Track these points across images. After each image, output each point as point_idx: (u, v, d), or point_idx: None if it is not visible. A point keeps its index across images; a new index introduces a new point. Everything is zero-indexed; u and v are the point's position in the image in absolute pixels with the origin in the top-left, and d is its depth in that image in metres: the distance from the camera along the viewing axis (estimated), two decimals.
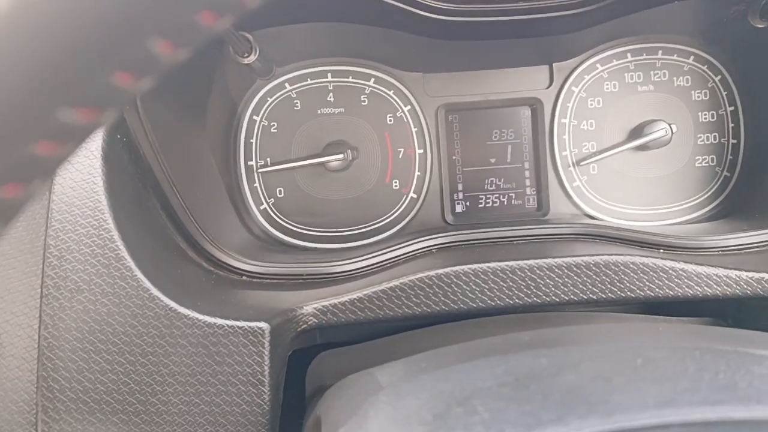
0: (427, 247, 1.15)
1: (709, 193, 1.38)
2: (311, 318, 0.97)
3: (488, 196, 1.39)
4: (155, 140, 0.99)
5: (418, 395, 0.53)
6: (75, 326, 0.87)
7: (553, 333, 0.66)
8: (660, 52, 1.37)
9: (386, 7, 1.10)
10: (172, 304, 0.89)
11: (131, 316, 0.89)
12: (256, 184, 1.35)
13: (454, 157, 1.38)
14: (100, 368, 0.87)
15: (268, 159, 1.35)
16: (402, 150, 1.37)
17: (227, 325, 0.90)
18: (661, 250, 1.09)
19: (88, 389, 0.87)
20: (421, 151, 1.37)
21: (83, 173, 0.92)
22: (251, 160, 1.35)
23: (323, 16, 1.21)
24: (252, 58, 1.19)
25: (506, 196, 1.39)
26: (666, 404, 0.43)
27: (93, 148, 0.93)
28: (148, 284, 0.90)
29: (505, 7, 1.13)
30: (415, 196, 1.37)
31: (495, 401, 0.47)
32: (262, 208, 1.36)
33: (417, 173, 1.37)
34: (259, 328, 0.90)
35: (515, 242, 1.16)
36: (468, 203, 1.39)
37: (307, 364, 1.08)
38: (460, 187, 1.38)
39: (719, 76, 1.37)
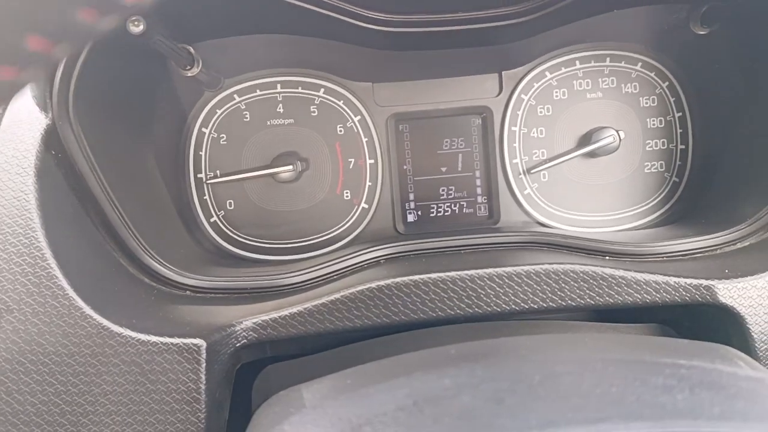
0: (375, 257, 1.14)
1: (659, 198, 1.39)
2: (251, 333, 0.96)
3: (440, 205, 1.39)
4: (91, 155, 0.98)
5: (318, 423, 0.53)
6: (4, 346, 0.86)
7: (473, 347, 0.66)
8: (608, 59, 1.38)
9: (329, 21, 1.10)
10: (105, 323, 0.88)
11: (63, 335, 0.87)
12: (206, 197, 1.34)
13: (405, 167, 1.38)
14: (29, 389, 0.86)
15: (218, 171, 1.34)
16: (353, 160, 1.36)
17: (161, 343, 0.89)
18: (607, 257, 1.09)
19: (17, 411, 0.85)
20: (372, 161, 1.36)
21: (15, 190, 0.91)
22: (201, 172, 1.34)
23: (267, 29, 1.20)
24: (195, 70, 1.18)
25: (458, 205, 1.39)
26: (546, 425, 0.43)
27: (25, 164, 0.92)
28: (80, 302, 0.88)
29: (450, 17, 1.14)
30: (366, 206, 1.37)
31: (386, 428, 0.47)
32: (212, 221, 1.35)
33: (368, 183, 1.37)
34: (195, 345, 0.89)
35: (463, 251, 1.16)
36: (420, 212, 1.39)
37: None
38: (411, 196, 1.38)
39: (667, 83, 1.38)
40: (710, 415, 0.46)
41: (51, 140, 0.95)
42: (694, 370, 0.56)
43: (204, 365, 0.89)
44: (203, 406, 0.89)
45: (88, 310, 0.88)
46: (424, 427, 0.46)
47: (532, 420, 0.44)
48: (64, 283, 0.88)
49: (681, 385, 0.51)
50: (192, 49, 1.17)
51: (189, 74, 1.19)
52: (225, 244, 1.35)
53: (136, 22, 0.95)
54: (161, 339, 0.89)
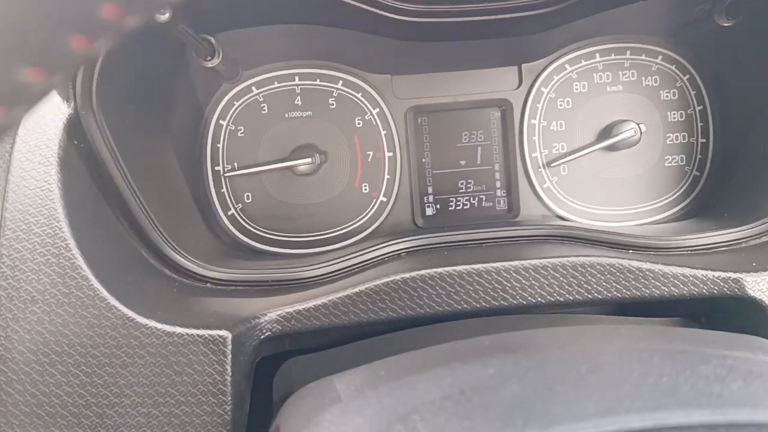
0: (395, 251, 1.13)
1: (679, 192, 1.38)
2: (275, 325, 0.95)
3: (458, 198, 1.38)
4: (114, 146, 0.97)
5: (363, 412, 0.52)
6: (29, 338, 0.85)
7: (509, 338, 0.65)
8: (628, 52, 1.37)
9: (348, 9, 1.09)
10: (130, 314, 0.87)
11: (87, 326, 0.87)
12: (224, 190, 1.33)
13: (423, 160, 1.37)
14: (54, 380, 0.85)
15: (236, 164, 1.33)
16: (371, 153, 1.35)
17: (187, 334, 0.88)
18: (630, 251, 1.08)
19: (42, 402, 0.85)
20: (391, 154, 1.35)
21: (38, 180, 0.90)
22: (218, 165, 1.33)
23: (286, 18, 1.19)
24: (215, 61, 1.17)
25: (477, 199, 1.38)
26: (605, 413, 0.42)
27: (49, 155, 0.91)
28: (105, 293, 0.87)
29: (469, 7, 1.12)
30: (384, 199, 1.36)
31: (436, 416, 0.46)
32: (229, 213, 1.34)
33: (387, 176, 1.36)
34: (221, 337, 0.88)
35: (484, 245, 1.15)
36: (438, 206, 1.38)
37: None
38: (430, 190, 1.37)
39: (687, 76, 1.37)
40: None
41: (74, 130, 0.94)
42: (740, 360, 0.55)
43: (230, 357, 0.88)
44: (229, 398, 0.88)
45: (113, 301, 0.87)
46: (475, 416, 0.45)
47: (589, 408, 0.43)
48: (88, 273, 0.88)
49: (732, 374, 0.50)
50: (213, 40, 1.16)
51: (209, 65, 1.18)
52: (243, 237, 1.34)
53: (162, 10, 0.94)
54: (186, 330, 0.88)
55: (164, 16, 0.94)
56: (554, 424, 0.42)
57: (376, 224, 1.36)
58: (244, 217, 1.34)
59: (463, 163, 1.38)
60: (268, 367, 1.06)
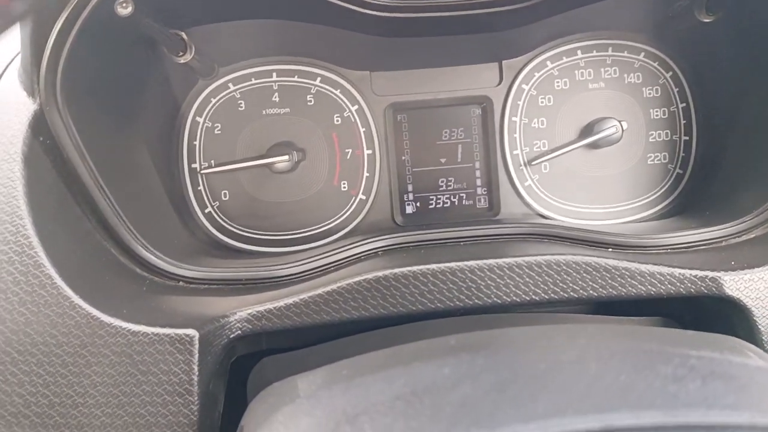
0: (372, 249, 1.12)
1: (662, 190, 1.37)
2: (245, 324, 0.94)
3: (439, 196, 1.37)
4: (81, 142, 0.95)
5: (313, 413, 0.51)
6: None
7: (474, 337, 0.63)
8: (610, 48, 1.36)
9: (322, 5, 1.07)
10: (95, 312, 0.86)
11: (51, 325, 0.85)
12: (201, 187, 1.32)
13: (403, 158, 1.35)
14: (17, 380, 0.84)
15: (213, 161, 1.32)
16: (350, 151, 1.34)
17: (153, 333, 0.87)
18: (610, 249, 1.07)
19: (4, 402, 0.83)
20: (370, 151, 1.34)
21: (1, 177, 0.88)
22: (195, 162, 1.32)
23: (259, 14, 1.17)
24: (188, 56, 1.15)
25: (457, 197, 1.37)
26: (552, 414, 0.41)
27: (12, 151, 0.90)
28: (68, 291, 0.86)
29: (445, 3, 1.11)
30: (364, 197, 1.34)
31: (384, 417, 0.45)
32: (206, 211, 1.32)
33: (366, 174, 1.34)
34: (187, 336, 0.87)
35: (462, 243, 1.13)
36: (418, 204, 1.36)
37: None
38: (410, 187, 1.36)
39: (670, 73, 1.36)
40: (724, 404, 0.44)
41: (39, 126, 0.92)
42: (704, 360, 0.54)
43: (197, 356, 0.87)
44: (196, 398, 0.87)
45: (77, 300, 0.86)
46: (423, 417, 0.44)
47: (537, 409, 0.42)
48: (52, 271, 0.86)
49: (692, 374, 0.49)
50: (184, 35, 1.14)
51: (181, 61, 1.16)
52: (220, 235, 1.32)
53: (123, 4, 0.93)
54: (152, 329, 0.87)
55: (126, 10, 0.92)
56: (499, 426, 0.41)
57: (355, 222, 1.34)
58: (222, 215, 1.33)
59: (443, 160, 1.36)
60: (246, 365, 1.05)
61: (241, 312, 0.93)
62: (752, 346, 0.72)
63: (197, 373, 0.87)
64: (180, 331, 0.87)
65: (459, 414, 0.43)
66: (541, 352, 0.54)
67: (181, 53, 1.14)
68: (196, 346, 0.87)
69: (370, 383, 0.53)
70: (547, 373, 0.48)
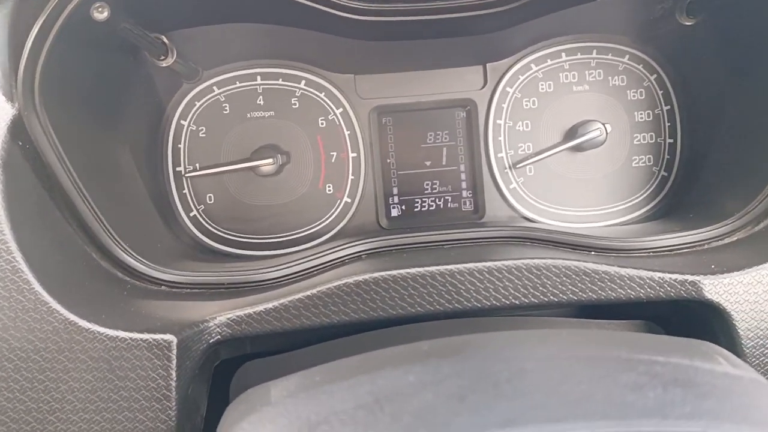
0: (356, 252, 1.12)
1: (647, 193, 1.37)
2: (225, 329, 0.94)
3: (424, 199, 1.37)
4: (60, 146, 0.95)
5: (277, 421, 0.51)
6: None
7: (444, 343, 0.63)
8: (594, 51, 1.36)
9: (302, 8, 1.07)
10: (72, 317, 0.86)
11: (28, 330, 0.85)
12: (185, 191, 1.32)
13: (388, 161, 1.35)
14: None
15: (197, 164, 1.32)
16: (335, 154, 1.34)
17: (130, 338, 0.86)
18: (592, 252, 1.07)
19: None
20: (355, 154, 1.34)
21: None
22: (179, 165, 1.32)
23: (241, 18, 1.17)
24: (170, 60, 1.15)
25: (442, 200, 1.37)
26: (506, 423, 0.41)
27: None
28: (46, 296, 0.86)
29: (427, 6, 1.11)
30: (349, 200, 1.34)
31: (344, 426, 0.45)
32: (191, 215, 1.32)
33: (351, 177, 1.34)
34: (165, 341, 0.87)
35: (446, 246, 1.13)
36: (404, 207, 1.36)
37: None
38: (395, 190, 1.36)
39: (655, 75, 1.36)
40: (680, 414, 0.44)
41: (17, 131, 0.92)
42: (669, 366, 0.54)
43: (174, 362, 0.87)
44: (174, 404, 0.86)
45: (54, 305, 0.86)
46: (381, 426, 0.44)
47: (492, 418, 0.42)
48: (29, 276, 0.86)
49: (653, 382, 0.49)
50: (165, 39, 1.14)
51: (163, 64, 1.16)
52: (205, 238, 1.32)
53: (99, 9, 0.92)
54: (130, 334, 0.86)
55: (102, 15, 0.92)
56: None
57: (341, 225, 1.34)
58: (207, 219, 1.33)
59: (428, 163, 1.36)
60: (230, 370, 1.05)
61: (221, 316, 0.93)
62: (725, 352, 0.71)
63: (175, 379, 0.87)
64: (158, 336, 0.87)
65: (416, 422, 0.43)
66: (507, 358, 0.54)
67: (162, 57, 1.14)
68: (174, 351, 0.87)
69: (336, 391, 0.53)
70: (510, 380, 0.48)
